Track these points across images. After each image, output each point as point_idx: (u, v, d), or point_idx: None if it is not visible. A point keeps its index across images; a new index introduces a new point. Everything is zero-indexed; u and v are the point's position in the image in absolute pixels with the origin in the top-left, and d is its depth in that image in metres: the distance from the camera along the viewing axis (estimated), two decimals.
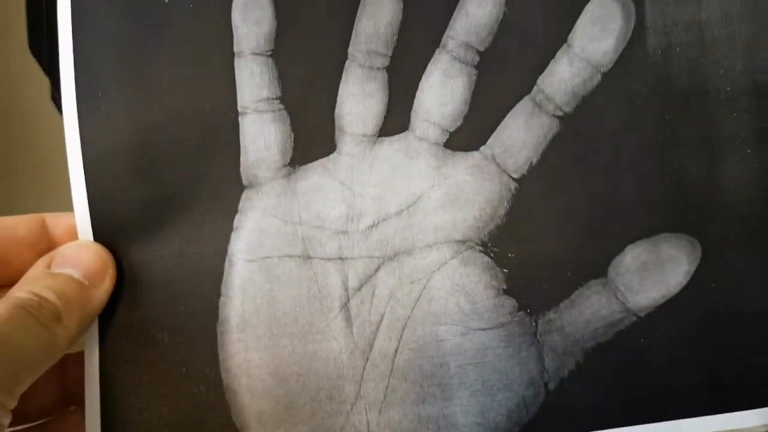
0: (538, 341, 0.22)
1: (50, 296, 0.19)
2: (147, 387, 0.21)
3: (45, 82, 0.47)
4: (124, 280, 0.22)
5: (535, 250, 0.22)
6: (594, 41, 0.22)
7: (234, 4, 0.22)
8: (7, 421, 0.18)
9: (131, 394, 0.21)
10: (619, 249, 0.22)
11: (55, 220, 0.22)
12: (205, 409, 0.21)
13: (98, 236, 0.22)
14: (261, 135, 0.22)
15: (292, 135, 0.22)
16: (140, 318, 0.22)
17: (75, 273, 0.21)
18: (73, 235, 0.22)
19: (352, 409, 0.21)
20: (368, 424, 0.21)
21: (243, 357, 0.21)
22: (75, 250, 0.21)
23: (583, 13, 0.22)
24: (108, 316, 0.22)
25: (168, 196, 0.22)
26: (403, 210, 0.22)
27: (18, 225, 0.22)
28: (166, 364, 0.22)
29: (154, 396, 0.21)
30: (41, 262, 0.21)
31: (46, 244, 0.22)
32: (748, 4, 0.22)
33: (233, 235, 0.22)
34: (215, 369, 0.21)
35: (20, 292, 0.19)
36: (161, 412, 0.21)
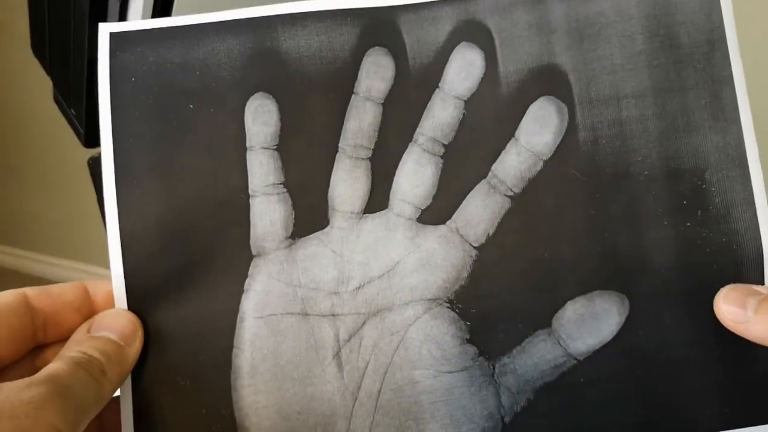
0: (496, 381, 0.25)
1: (96, 354, 0.23)
2: (173, 427, 0.25)
3: (47, 82, 0.47)
4: (153, 336, 0.25)
5: (492, 305, 0.25)
6: (536, 135, 0.26)
7: (246, 109, 0.26)
8: None
9: (162, 430, 0.25)
10: (560, 304, 0.25)
11: (94, 287, 0.26)
12: None
13: (131, 300, 0.25)
14: (267, 213, 0.26)
15: (293, 213, 0.26)
16: (166, 368, 0.25)
17: (112, 335, 0.24)
18: (110, 298, 0.26)
19: None
20: None
21: (253, 399, 0.25)
22: (110, 317, 0.25)
23: (527, 114, 0.26)
24: (139, 368, 0.25)
25: (190, 264, 0.25)
26: (384, 274, 0.26)
27: (65, 292, 0.25)
28: (189, 406, 0.25)
29: None
30: (83, 328, 0.25)
31: (88, 308, 0.25)
32: (659, 105, 0.26)
33: (244, 296, 0.25)
34: (229, 410, 0.25)
35: (71, 352, 0.23)
36: None
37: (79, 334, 0.24)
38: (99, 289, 0.26)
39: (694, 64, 0.26)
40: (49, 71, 0.46)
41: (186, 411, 0.25)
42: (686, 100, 0.26)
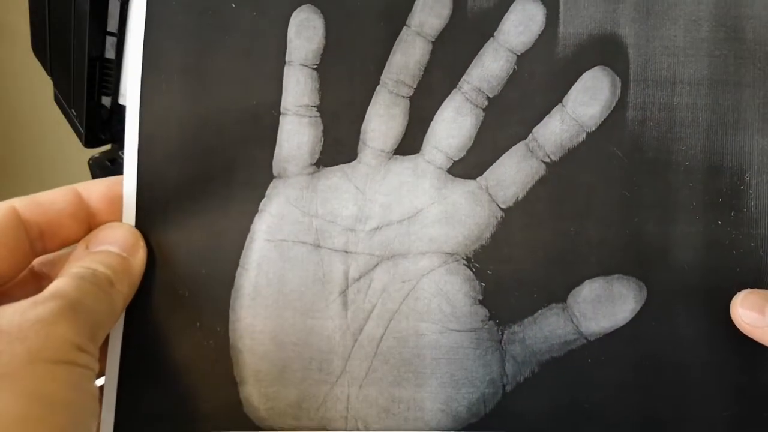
0: (502, 348, 0.25)
1: (100, 267, 0.22)
2: (165, 333, 0.24)
3: (47, 82, 0.46)
4: (159, 241, 0.24)
5: (510, 271, 0.25)
6: (584, 106, 0.25)
7: (291, 21, 0.25)
8: (97, 366, 0.20)
9: (152, 337, 0.24)
10: (579, 281, 0.25)
11: (88, 189, 0.24)
12: (211, 361, 0.24)
13: (141, 203, 0.24)
14: (296, 135, 0.25)
15: (322, 140, 0.25)
16: (167, 275, 0.24)
17: (113, 248, 0.23)
18: (107, 201, 0.24)
19: (336, 381, 0.24)
20: (348, 396, 0.24)
21: (250, 322, 0.24)
22: (108, 231, 0.24)
23: (578, 81, 0.25)
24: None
25: (207, 174, 0.24)
26: (404, 219, 0.25)
27: (56, 199, 0.23)
28: (184, 317, 0.24)
29: (170, 342, 0.24)
30: (81, 245, 0.23)
31: (84, 212, 0.24)
32: (712, 97, 0.25)
33: (257, 217, 0.24)
34: (224, 328, 0.24)
35: (74, 268, 0.22)
36: (173, 356, 0.24)
37: (78, 251, 0.23)
38: (93, 191, 0.24)
39: (754, 61, 0.25)
40: (50, 71, 0.45)
41: (180, 321, 0.24)
42: (740, 96, 0.25)
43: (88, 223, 0.24)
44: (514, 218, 0.25)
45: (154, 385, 0.24)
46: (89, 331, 0.20)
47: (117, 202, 0.24)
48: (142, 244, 0.24)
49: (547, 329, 0.25)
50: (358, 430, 0.24)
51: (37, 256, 0.24)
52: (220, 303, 0.24)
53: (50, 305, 0.19)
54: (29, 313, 0.19)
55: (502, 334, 0.25)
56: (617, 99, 0.25)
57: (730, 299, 0.25)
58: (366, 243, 0.25)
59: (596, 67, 0.25)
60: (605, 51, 0.25)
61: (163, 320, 0.24)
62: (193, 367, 0.24)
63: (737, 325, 0.24)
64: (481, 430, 0.24)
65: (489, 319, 0.25)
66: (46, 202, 0.23)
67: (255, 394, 0.24)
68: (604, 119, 0.25)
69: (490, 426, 0.24)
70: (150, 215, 0.24)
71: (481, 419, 0.24)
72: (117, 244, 0.23)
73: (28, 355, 0.18)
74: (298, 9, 0.25)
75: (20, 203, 0.23)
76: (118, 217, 0.24)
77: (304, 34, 0.25)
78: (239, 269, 0.24)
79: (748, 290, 0.25)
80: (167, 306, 0.24)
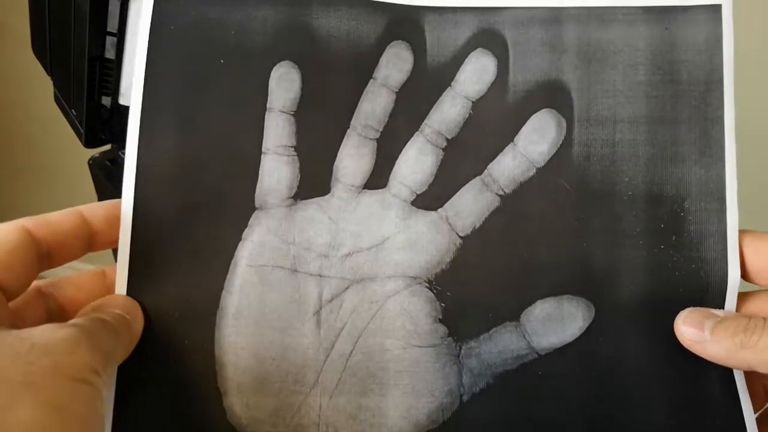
0: (460, 362, 0.27)
1: (107, 318, 0.24)
2: (158, 350, 0.26)
3: (47, 82, 0.47)
4: (155, 266, 0.27)
5: (467, 292, 0.27)
6: (533, 144, 0.28)
7: (272, 74, 0.28)
8: (106, 391, 0.22)
9: (146, 354, 0.26)
10: (531, 301, 0.27)
11: (91, 212, 0.26)
12: (198, 374, 0.26)
13: (136, 229, 0.27)
14: (275, 172, 0.28)
15: (299, 176, 0.28)
16: (160, 298, 0.27)
17: (116, 310, 0.25)
18: (108, 221, 0.26)
19: (310, 392, 0.26)
20: (320, 405, 0.26)
21: (233, 339, 0.27)
22: (111, 300, 0.26)
23: (528, 122, 0.28)
24: (135, 294, 0.26)
25: (197, 207, 0.27)
26: (373, 246, 0.28)
27: (63, 219, 0.25)
28: (174, 335, 0.26)
29: (162, 357, 0.26)
30: (88, 309, 0.25)
31: (87, 232, 0.26)
32: (651, 133, 0.27)
33: (240, 244, 0.27)
34: (210, 344, 0.26)
35: (87, 316, 0.24)
36: (165, 371, 0.26)
37: (87, 310, 0.25)
38: (96, 213, 0.26)
39: (690, 100, 0.28)
40: (50, 71, 0.46)
41: (171, 338, 0.27)
42: (677, 132, 0.28)
43: (90, 242, 0.26)
44: (472, 245, 0.27)
45: (148, 397, 0.26)
46: (103, 361, 0.22)
47: (116, 223, 0.27)
48: (140, 314, 0.26)
49: (502, 345, 0.27)
50: None
51: (42, 270, 0.25)
52: (207, 322, 0.27)
53: (73, 330, 0.21)
54: (57, 332, 0.21)
55: (460, 349, 0.27)
56: (563, 137, 0.28)
57: (674, 317, 0.27)
58: (338, 268, 0.27)
59: (543, 110, 0.28)
60: (551, 95, 0.28)
61: (156, 338, 0.26)
62: (183, 380, 0.26)
63: (680, 341, 0.26)
64: None
65: (448, 336, 0.27)
66: (54, 223, 0.25)
67: (237, 404, 0.26)
68: (552, 155, 0.28)
69: None
70: (145, 242, 0.27)
71: (439, 426, 0.26)
72: (120, 308, 0.25)
73: (54, 370, 0.20)
74: (278, 64, 0.28)
75: (30, 223, 0.25)
76: (116, 237, 0.26)
77: (284, 85, 0.28)
78: (224, 292, 0.27)
79: (690, 309, 0.27)
80: (160, 326, 0.27)
